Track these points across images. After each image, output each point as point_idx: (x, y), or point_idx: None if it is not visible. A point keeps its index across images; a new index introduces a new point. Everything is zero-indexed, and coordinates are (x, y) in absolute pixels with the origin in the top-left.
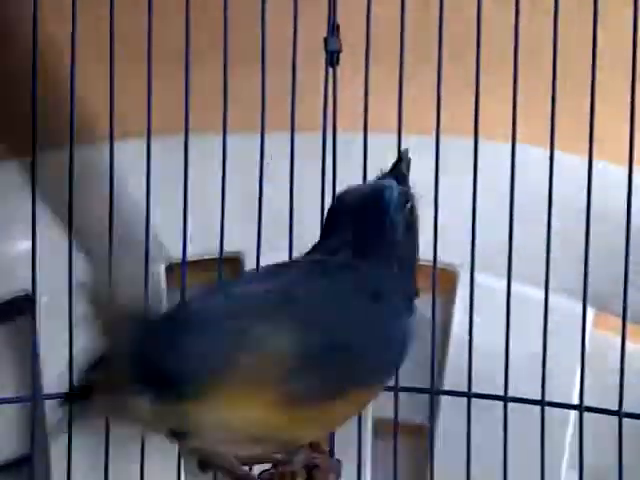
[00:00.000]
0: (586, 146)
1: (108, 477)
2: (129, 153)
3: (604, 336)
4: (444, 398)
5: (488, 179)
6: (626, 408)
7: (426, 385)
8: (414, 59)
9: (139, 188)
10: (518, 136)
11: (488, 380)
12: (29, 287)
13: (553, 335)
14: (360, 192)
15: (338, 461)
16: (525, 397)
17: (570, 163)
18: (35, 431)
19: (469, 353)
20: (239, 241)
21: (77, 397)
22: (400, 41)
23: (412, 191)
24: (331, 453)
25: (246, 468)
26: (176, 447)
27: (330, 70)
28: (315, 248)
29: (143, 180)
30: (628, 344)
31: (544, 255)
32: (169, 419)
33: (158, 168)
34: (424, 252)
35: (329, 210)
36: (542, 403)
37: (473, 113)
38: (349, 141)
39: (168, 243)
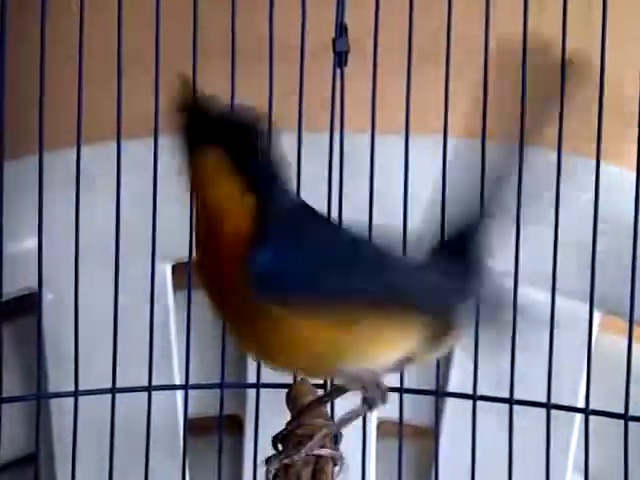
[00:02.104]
0: (593, 148)
1: (112, 477)
2: (136, 152)
3: (610, 339)
4: (449, 400)
5: None
6: (632, 412)
7: (431, 387)
8: (422, 60)
9: (145, 186)
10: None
11: (494, 382)
12: (35, 285)
13: (559, 337)
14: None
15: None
16: (531, 400)
17: (578, 165)
18: (40, 430)
19: (475, 354)
20: None
21: None
22: (408, 42)
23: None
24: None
25: None
26: (180, 446)
27: (338, 71)
28: None
29: (149, 179)
30: (635, 347)
31: (551, 257)
32: None
33: (164, 166)
34: None
35: None
36: (548, 406)
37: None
38: (356, 141)
39: (174, 242)
